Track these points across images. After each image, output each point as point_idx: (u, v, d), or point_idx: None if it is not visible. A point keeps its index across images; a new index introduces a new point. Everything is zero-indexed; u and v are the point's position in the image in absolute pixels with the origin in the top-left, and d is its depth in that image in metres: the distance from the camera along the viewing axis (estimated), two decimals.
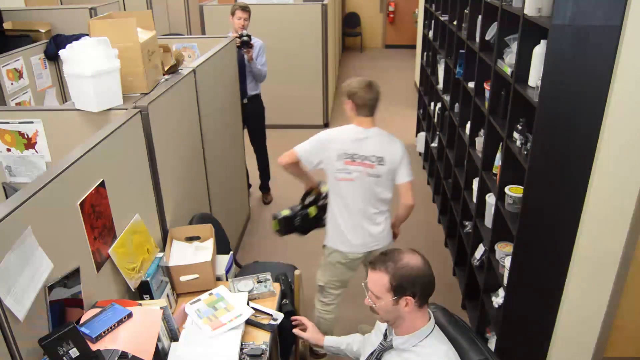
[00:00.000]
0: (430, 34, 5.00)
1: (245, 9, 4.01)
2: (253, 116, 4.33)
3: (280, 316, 2.08)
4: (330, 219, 2.56)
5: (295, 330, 2.09)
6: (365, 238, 2.50)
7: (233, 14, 4.03)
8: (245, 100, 4.19)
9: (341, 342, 2.05)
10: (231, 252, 2.49)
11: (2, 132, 2.12)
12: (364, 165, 2.39)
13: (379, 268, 1.59)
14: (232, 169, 3.79)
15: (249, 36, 3.88)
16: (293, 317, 2.15)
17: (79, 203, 1.62)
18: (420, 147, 5.33)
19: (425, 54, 5.31)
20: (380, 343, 1.74)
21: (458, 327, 1.73)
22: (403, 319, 1.63)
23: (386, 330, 1.75)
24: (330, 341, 2.06)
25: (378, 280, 1.59)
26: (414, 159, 5.41)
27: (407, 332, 1.64)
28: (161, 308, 1.75)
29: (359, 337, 2.04)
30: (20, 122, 2.11)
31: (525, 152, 2.25)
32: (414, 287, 1.57)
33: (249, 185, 4.72)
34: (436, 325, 1.68)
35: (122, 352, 1.51)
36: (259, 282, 2.23)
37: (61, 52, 2.07)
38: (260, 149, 4.51)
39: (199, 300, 2.07)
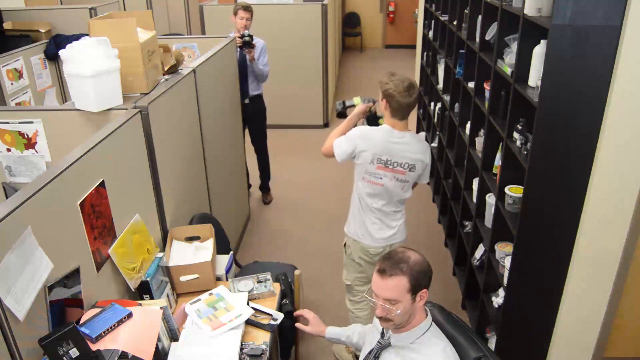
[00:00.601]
0: (430, 34, 5.00)
1: (247, 8, 4.00)
2: (254, 116, 4.32)
3: (280, 316, 2.08)
4: (354, 212, 2.56)
5: (298, 325, 2.09)
6: (386, 232, 2.52)
7: (235, 13, 4.01)
8: (246, 101, 4.19)
9: (342, 333, 2.06)
10: (231, 252, 2.49)
11: (2, 132, 2.12)
12: (395, 172, 2.39)
13: (395, 272, 1.57)
14: (232, 169, 3.80)
15: (250, 36, 3.87)
16: (296, 313, 2.15)
17: (79, 203, 1.62)
18: None
19: (425, 54, 5.31)
20: (378, 341, 1.74)
21: (456, 325, 1.73)
22: (414, 316, 1.64)
23: (383, 328, 1.75)
24: (331, 332, 2.07)
25: (397, 285, 1.57)
26: None
27: (406, 330, 1.64)
28: (161, 308, 1.75)
29: (358, 328, 2.05)
30: (20, 122, 2.11)
31: (525, 152, 2.25)
32: (425, 280, 1.61)
33: (249, 185, 4.72)
34: (433, 322, 1.68)
35: (122, 352, 1.51)
36: (259, 282, 2.23)
37: (61, 52, 2.07)
38: (261, 149, 4.50)
39: (199, 300, 2.07)
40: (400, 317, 1.60)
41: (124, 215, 1.92)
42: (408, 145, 2.37)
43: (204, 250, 2.25)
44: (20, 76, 3.66)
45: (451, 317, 1.76)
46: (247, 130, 4.42)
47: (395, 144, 2.35)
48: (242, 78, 4.09)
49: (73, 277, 1.57)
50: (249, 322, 2.01)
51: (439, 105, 4.44)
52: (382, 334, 1.74)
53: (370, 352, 1.75)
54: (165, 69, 2.56)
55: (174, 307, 2.12)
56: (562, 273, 2.32)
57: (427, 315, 1.67)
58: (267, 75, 4.22)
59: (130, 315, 1.65)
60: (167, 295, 2.08)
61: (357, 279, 2.67)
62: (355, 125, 2.56)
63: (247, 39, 3.85)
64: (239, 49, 3.94)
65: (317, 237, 4.04)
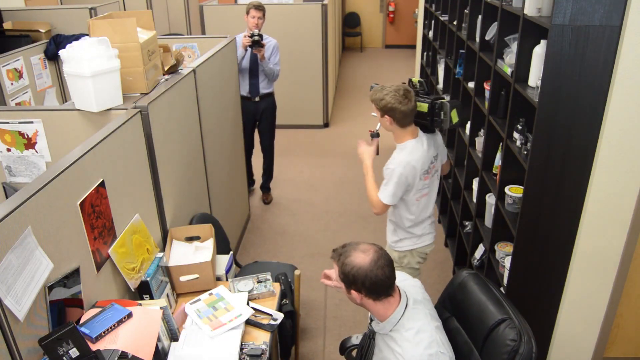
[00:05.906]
0: (430, 34, 5.00)
1: (259, 7, 3.99)
2: (264, 115, 4.35)
3: (280, 316, 2.08)
4: (401, 227, 2.51)
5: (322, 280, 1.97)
6: (431, 229, 2.58)
7: (247, 12, 4.02)
8: (257, 98, 4.20)
9: None
10: (231, 252, 2.49)
11: (2, 132, 2.12)
12: (431, 170, 2.44)
13: (334, 259, 1.74)
14: (232, 169, 3.79)
15: (260, 36, 3.87)
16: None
17: (79, 203, 1.62)
18: None
19: (425, 54, 5.31)
20: (368, 326, 1.84)
21: (486, 290, 1.83)
22: (366, 308, 1.74)
23: (370, 315, 1.83)
24: None
25: (335, 270, 1.75)
26: None
27: (381, 320, 1.73)
28: (161, 308, 1.75)
29: None
30: (20, 122, 2.11)
31: (525, 152, 2.25)
32: (356, 284, 1.67)
33: (253, 182, 4.71)
34: (409, 306, 1.72)
35: (122, 352, 1.51)
36: (259, 282, 2.23)
37: (61, 52, 2.07)
38: (268, 148, 4.51)
39: (199, 300, 2.07)
40: (347, 297, 1.74)
41: (124, 215, 1.92)
42: (427, 143, 2.41)
43: (204, 250, 2.25)
44: (20, 76, 3.66)
45: (484, 283, 1.86)
46: (256, 129, 4.44)
47: (425, 150, 2.38)
48: (253, 76, 4.11)
49: (73, 277, 1.57)
50: (249, 322, 2.01)
51: None
52: (371, 320, 1.82)
53: (365, 335, 1.86)
54: (165, 69, 2.56)
55: (174, 307, 2.12)
56: (562, 273, 2.32)
57: (399, 301, 1.71)
58: (278, 75, 4.23)
59: (130, 315, 1.65)
60: (167, 295, 2.08)
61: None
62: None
63: (256, 38, 3.84)
64: (249, 48, 3.94)
65: (317, 237, 4.04)
